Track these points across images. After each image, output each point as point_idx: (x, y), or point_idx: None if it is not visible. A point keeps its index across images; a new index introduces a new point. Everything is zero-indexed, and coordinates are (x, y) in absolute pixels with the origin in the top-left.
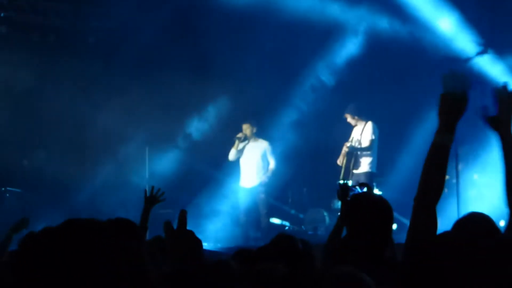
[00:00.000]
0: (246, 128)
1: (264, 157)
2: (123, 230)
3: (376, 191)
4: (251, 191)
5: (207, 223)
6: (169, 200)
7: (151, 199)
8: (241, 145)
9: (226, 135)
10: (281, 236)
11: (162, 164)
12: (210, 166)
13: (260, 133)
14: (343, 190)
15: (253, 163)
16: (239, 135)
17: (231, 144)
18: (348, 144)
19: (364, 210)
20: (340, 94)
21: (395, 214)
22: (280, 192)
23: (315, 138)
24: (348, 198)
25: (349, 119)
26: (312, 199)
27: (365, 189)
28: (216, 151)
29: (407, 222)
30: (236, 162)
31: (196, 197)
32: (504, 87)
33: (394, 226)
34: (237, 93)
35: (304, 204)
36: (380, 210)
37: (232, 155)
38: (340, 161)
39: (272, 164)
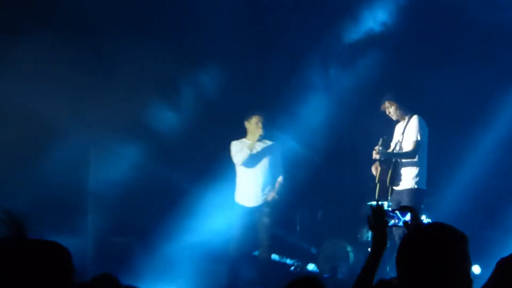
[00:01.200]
0: (255, 123)
1: (274, 165)
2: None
3: (424, 219)
4: (251, 212)
5: (179, 257)
6: (123, 224)
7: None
8: (251, 148)
9: (211, 131)
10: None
11: (113, 171)
12: (185, 175)
13: (269, 131)
14: (377, 215)
15: (259, 173)
16: (260, 130)
17: (217, 146)
18: (378, 148)
19: (429, 252)
20: (372, 79)
21: None
22: (283, 216)
23: (336, 138)
24: (386, 227)
25: (390, 110)
26: (330, 226)
27: (408, 216)
28: (195, 153)
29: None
30: (227, 169)
31: (162, 219)
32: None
33: (477, 270)
34: (230, 70)
35: (318, 234)
36: (458, 250)
37: (243, 158)
38: (375, 172)
39: (281, 176)
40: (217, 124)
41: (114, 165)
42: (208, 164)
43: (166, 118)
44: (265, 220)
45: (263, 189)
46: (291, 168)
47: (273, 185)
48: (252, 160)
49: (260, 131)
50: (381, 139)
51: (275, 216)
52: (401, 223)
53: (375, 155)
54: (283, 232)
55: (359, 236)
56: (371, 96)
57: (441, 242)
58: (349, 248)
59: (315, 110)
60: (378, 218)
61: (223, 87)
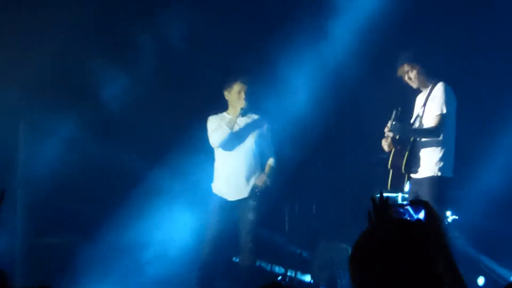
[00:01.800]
0: (237, 92)
1: (262, 146)
2: None
3: (449, 216)
4: (232, 207)
5: (133, 262)
6: (60, 220)
7: None
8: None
9: (178, 102)
10: None
11: (48, 154)
12: (143, 158)
13: (255, 103)
14: (380, 212)
15: (242, 157)
16: (243, 101)
17: (187, 121)
18: (390, 122)
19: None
20: (383, 34)
21: (482, 258)
22: (268, 212)
23: (336, 111)
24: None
25: (410, 75)
26: (327, 225)
27: (422, 214)
28: (157, 130)
29: (504, 272)
30: (202, 151)
31: (112, 214)
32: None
33: (481, 281)
34: (203, 18)
35: (312, 235)
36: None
37: (222, 138)
38: (387, 148)
39: (271, 158)
40: (185, 92)
41: (49, 146)
42: (176, 144)
43: (117, 83)
44: (250, 216)
45: (248, 178)
46: (278, 150)
47: (261, 169)
48: (234, 140)
49: (243, 103)
50: (394, 112)
51: (262, 212)
52: None
53: (388, 133)
54: (267, 232)
55: None
56: (382, 57)
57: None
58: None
59: (308, 76)
60: (382, 215)
61: (193, 41)
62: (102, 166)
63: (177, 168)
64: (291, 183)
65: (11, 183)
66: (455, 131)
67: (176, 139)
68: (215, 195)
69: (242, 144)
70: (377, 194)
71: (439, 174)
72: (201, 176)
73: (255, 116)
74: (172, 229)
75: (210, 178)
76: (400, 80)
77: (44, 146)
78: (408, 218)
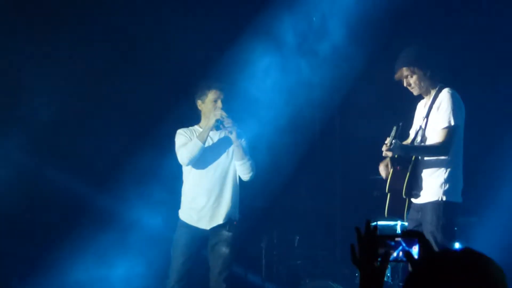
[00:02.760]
0: (213, 101)
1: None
2: None
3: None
4: (203, 237)
5: None
6: None
7: None
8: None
9: (138, 111)
10: None
11: None
12: (89, 184)
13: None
14: (366, 245)
15: (217, 177)
16: (218, 111)
17: (151, 135)
18: (389, 140)
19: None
20: (378, 30)
21: None
22: (242, 245)
23: (322, 128)
24: (378, 261)
25: (409, 80)
26: (313, 259)
27: (415, 249)
28: (114, 147)
29: None
30: (168, 170)
31: (58, 246)
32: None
33: None
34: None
35: (294, 272)
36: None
37: (192, 153)
38: (384, 174)
39: (246, 171)
40: (149, 100)
41: None
42: (137, 163)
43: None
44: (223, 250)
45: (222, 202)
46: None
47: (238, 192)
48: (207, 157)
49: (219, 114)
50: (395, 128)
51: (238, 246)
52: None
53: (386, 152)
54: (241, 269)
55: (357, 275)
56: (377, 58)
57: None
58: None
59: (290, 85)
60: (368, 249)
61: (155, 35)
62: (44, 193)
63: (139, 189)
64: (269, 209)
65: None
66: (463, 147)
67: (141, 159)
68: (183, 223)
69: (216, 162)
70: (371, 222)
71: (444, 198)
72: (167, 197)
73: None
74: (133, 265)
75: (175, 205)
76: (400, 86)
77: None
78: (400, 253)
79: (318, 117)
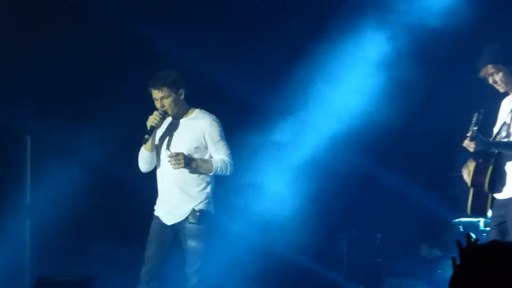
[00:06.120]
0: (161, 96)
1: (201, 153)
2: None
3: None
4: (173, 232)
5: None
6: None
7: None
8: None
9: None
10: None
11: (60, 173)
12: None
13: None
14: (466, 256)
15: (176, 170)
16: (153, 118)
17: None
18: (472, 130)
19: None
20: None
21: None
22: (322, 243)
23: (401, 121)
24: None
25: (495, 78)
26: (395, 258)
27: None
28: None
29: None
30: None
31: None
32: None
33: None
34: None
35: (375, 269)
36: None
37: (145, 162)
38: (466, 174)
39: (219, 163)
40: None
41: (59, 166)
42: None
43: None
44: (191, 244)
45: (184, 195)
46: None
47: (206, 184)
48: (160, 151)
49: (152, 120)
50: (475, 115)
51: (209, 232)
52: None
53: (468, 144)
54: (321, 267)
55: (440, 272)
56: (458, 53)
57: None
58: None
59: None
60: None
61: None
62: (120, 189)
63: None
64: (348, 205)
65: (20, 211)
66: None
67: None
68: (155, 216)
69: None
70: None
71: None
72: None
73: (201, 115)
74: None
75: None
76: (483, 81)
77: (53, 165)
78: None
79: (396, 114)
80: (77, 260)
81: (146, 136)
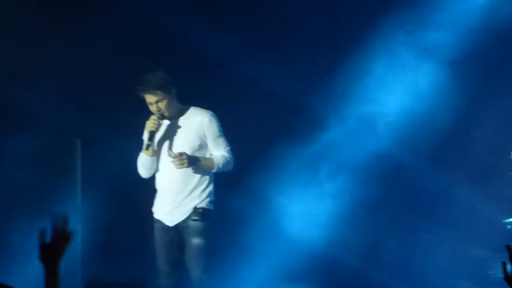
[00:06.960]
0: (156, 99)
1: (201, 151)
2: None
3: None
4: (176, 232)
5: None
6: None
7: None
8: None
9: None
10: None
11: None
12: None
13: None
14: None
15: (177, 170)
16: (151, 123)
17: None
18: None
19: None
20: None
21: None
22: (371, 245)
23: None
24: None
25: None
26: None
27: None
28: None
29: None
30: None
31: None
32: None
33: None
34: None
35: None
36: None
37: (146, 168)
38: None
39: (220, 160)
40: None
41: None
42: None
43: None
44: (195, 241)
45: (185, 194)
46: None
47: (208, 182)
48: (161, 153)
49: (151, 124)
50: None
51: (212, 229)
52: None
53: None
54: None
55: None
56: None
57: None
58: None
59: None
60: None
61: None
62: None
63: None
64: (397, 207)
65: (71, 214)
66: None
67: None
68: (157, 220)
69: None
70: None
71: None
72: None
73: (197, 112)
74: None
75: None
76: None
77: (103, 168)
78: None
79: (451, 114)
80: (128, 262)
81: (148, 142)
